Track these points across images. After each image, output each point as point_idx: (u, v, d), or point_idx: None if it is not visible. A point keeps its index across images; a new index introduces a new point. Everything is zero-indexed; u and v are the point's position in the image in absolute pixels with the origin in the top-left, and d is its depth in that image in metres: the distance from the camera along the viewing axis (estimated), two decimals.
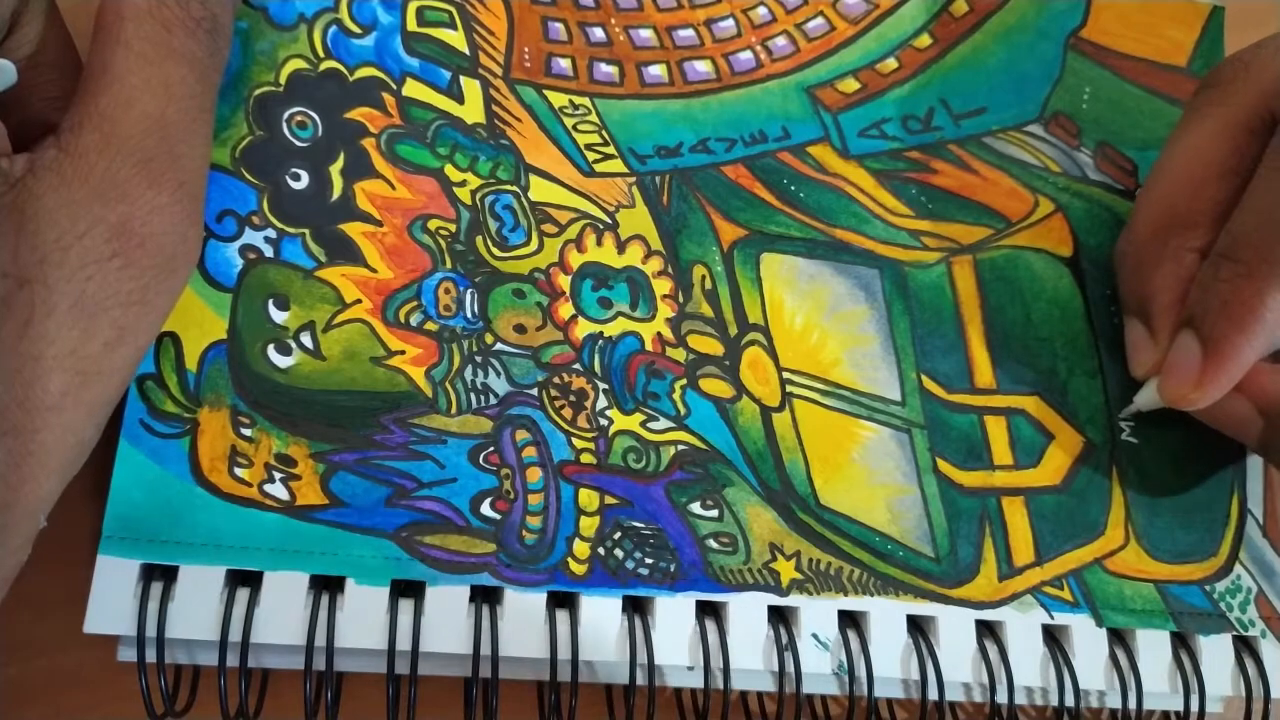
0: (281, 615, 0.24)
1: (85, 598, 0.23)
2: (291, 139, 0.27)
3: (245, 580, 0.24)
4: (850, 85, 0.31)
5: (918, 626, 0.27)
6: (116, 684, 0.26)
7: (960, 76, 0.32)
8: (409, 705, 0.24)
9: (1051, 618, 0.28)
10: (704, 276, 0.29)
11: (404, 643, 0.24)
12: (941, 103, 0.32)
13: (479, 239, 0.28)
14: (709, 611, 0.27)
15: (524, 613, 0.25)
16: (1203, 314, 0.26)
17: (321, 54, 0.28)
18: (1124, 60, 0.33)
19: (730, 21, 0.31)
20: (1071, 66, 0.33)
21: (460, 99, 0.29)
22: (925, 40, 0.32)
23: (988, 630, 0.28)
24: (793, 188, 0.30)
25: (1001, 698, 0.27)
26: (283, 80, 0.27)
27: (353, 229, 0.27)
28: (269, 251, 0.26)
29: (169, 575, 0.24)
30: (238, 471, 0.25)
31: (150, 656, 0.23)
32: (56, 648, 0.26)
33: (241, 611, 0.24)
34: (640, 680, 0.25)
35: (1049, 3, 0.33)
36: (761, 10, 0.31)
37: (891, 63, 0.32)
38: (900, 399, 0.29)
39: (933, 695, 0.26)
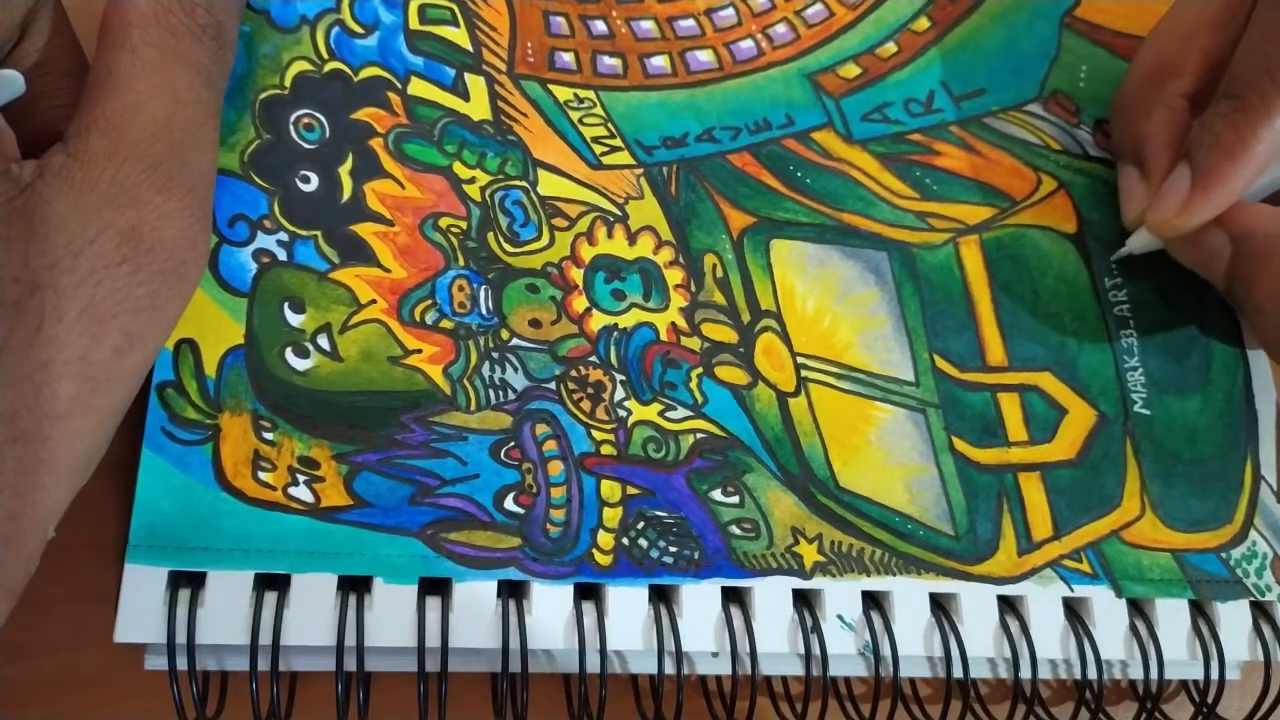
0: (310, 617, 0.24)
1: (90, 597, 0.23)
2: (299, 141, 0.27)
3: (272, 583, 0.24)
4: (851, 70, 0.31)
5: (940, 604, 0.28)
6: (120, 684, 0.26)
7: (959, 58, 0.32)
8: (439, 702, 0.24)
9: (1071, 590, 0.28)
10: (715, 265, 0.29)
11: (433, 640, 0.24)
12: (942, 85, 0.32)
13: (490, 235, 0.28)
14: (734, 597, 0.27)
15: (551, 606, 0.25)
16: (1197, 146, 0.27)
17: (325, 55, 0.28)
18: (1118, 38, 0.33)
19: (730, 11, 0.31)
20: (1067, 45, 0.33)
21: (466, 96, 0.29)
22: (923, 23, 0.32)
23: (1009, 605, 0.28)
24: (799, 174, 0.30)
25: (1025, 672, 0.27)
26: (288, 83, 0.27)
27: (364, 229, 0.27)
28: (282, 255, 0.26)
29: (196, 581, 0.24)
30: (261, 475, 0.25)
31: (181, 664, 0.23)
32: (61, 647, 0.26)
33: (270, 615, 0.24)
34: (668, 668, 0.25)
35: None
36: (761, 1, 0.31)
37: (891, 47, 0.32)
38: (914, 379, 0.29)
39: (957, 672, 0.27)
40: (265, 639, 0.24)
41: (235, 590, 0.24)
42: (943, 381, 0.29)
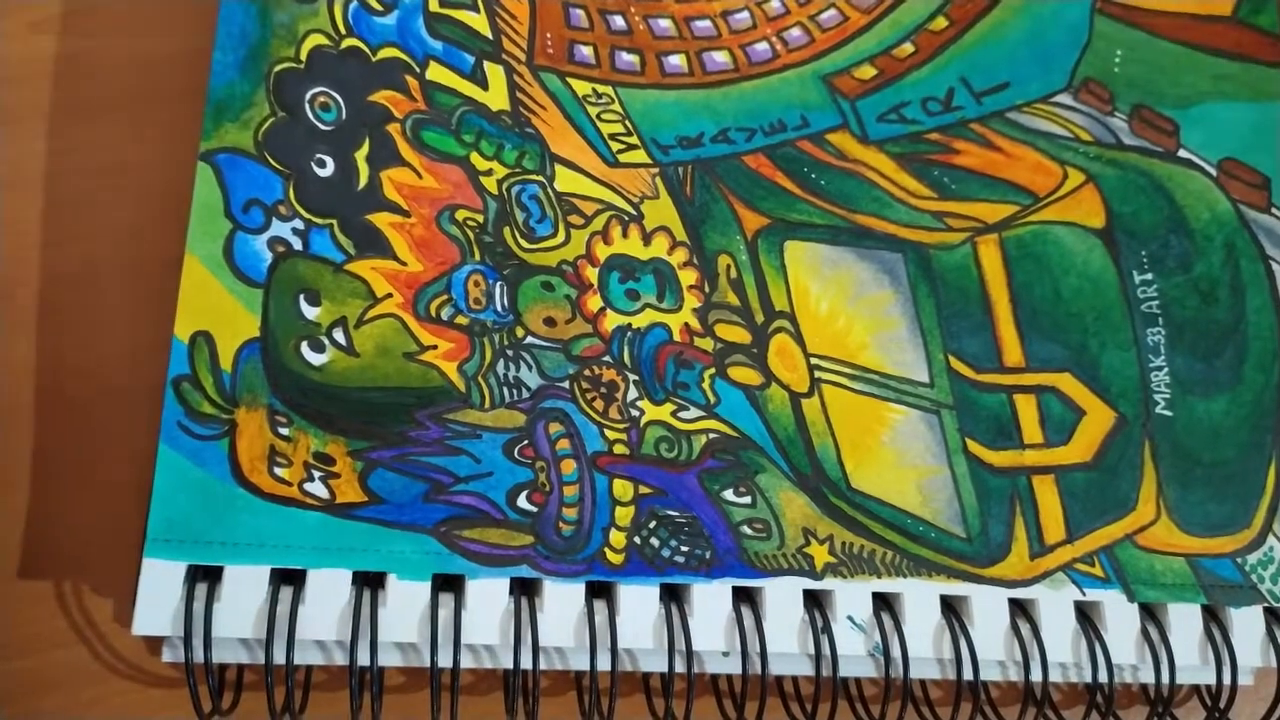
0: (325, 612, 0.24)
1: (109, 590, 0.23)
2: (315, 121, 0.27)
3: (288, 578, 0.25)
4: (867, 72, 0.31)
5: (951, 607, 0.28)
6: (139, 676, 0.26)
7: (980, 54, 0.32)
8: (451, 697, 0.25)
9: (1083, 594, 0.28)
10: (729, 266, 0.29)
11: (445, 636, 0.25)
12: (962, 81, 0.31)
13: (507, 230, 0.28)
14: (744, 598, 0.27)
15: (563, 603, 0.25)
16: None
17: (343, 30, 0.28)
18: (1159, 17, 0.33)
19: (745, 14, 0.31)
20: (1100, 31, 0.32)
21: (484, 84, 0.28)
22: (941, 23, 0.32)
23: (1020, 608, 0.28)
24: (813, 175, 0.30)
25: (1035, 675, 0.27)
26: (303, 56, 0.27)
27: (380, 220, 0.27)
28: (298, 244, 0.26)
29: (213, 575, 0.24)
30: (278, 471, 0.25)
31: (198, 657, 0.23)
32: (79, 639, 0.26)
33: (286, 610, 0.24)
34: (679, 667, 0.26)
35: None
36: (774, 3, 0.31)
37: (908, 47, 0.31)
38: (928, 380, 0.29)
39: (967, 674, 0.27)
40: (281, 633, 0.24)
41: (251, 585, 0.24)
42: (958, 383, 0.29)
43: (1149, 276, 0.31)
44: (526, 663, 0.25)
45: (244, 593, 0.24)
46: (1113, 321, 0.30)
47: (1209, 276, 0.31)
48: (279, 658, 0.24)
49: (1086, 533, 0.29)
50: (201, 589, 0.24)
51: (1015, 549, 0.28)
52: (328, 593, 0.24)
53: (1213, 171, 0.32)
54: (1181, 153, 0.32)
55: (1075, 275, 0.31)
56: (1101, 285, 0.31)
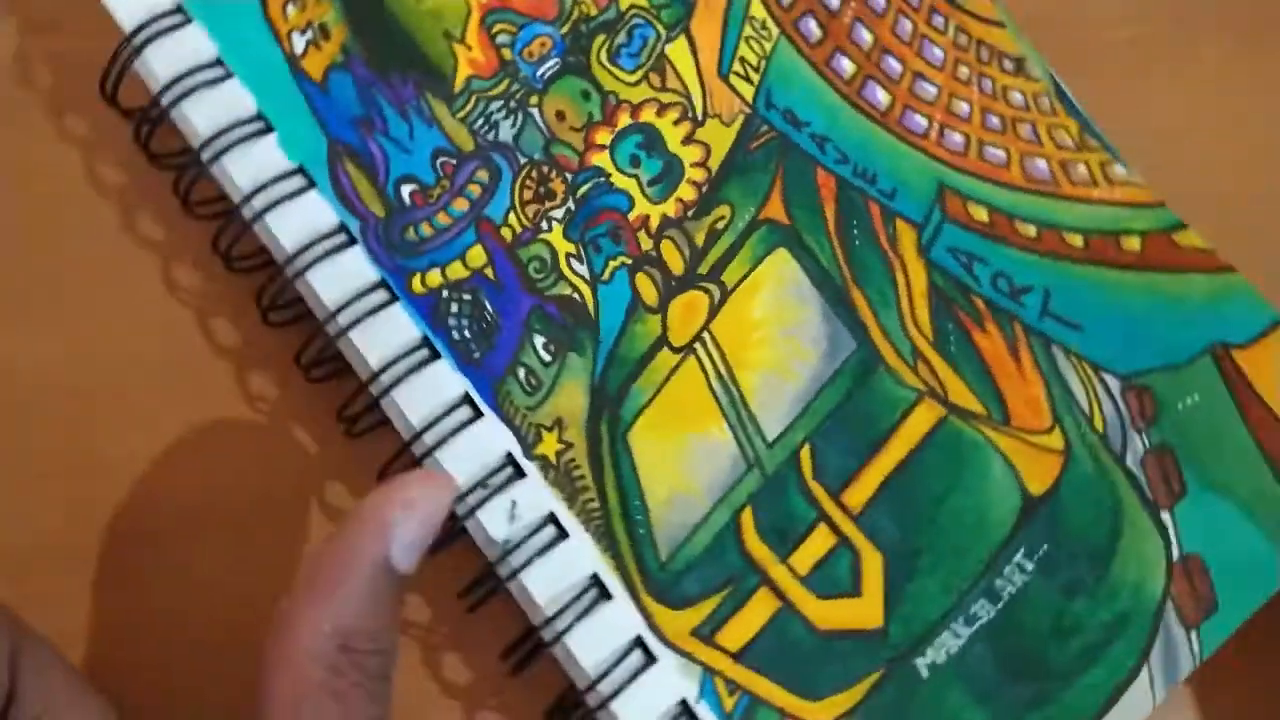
0: (218, 108, 0.27)
1: None
2: None
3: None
4: (980, 213, 0.30)
5: (594, 586, 0.26)
6: None
7: (1081, 289, 0.30)
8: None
9: (697, 703, 0.26)
10: (722, 219, 0.29)
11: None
12: (1044, 291, 0.30)
13: (600, 38, 0.30)
14: (470, 408, 0.27)
15: (349, 271, 0.27)
16: None
17: None
18: (1256, 405, 0.29)
19: (934, 89, 0.31)
20: (1197, 368, 0.29)
21: None
22: (1077, 239, 0.31)
23: (640, 653, 0.26)
24: (855, 231, 0.30)
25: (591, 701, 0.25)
26: None
27: None
28: None
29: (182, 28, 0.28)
30: (289, 10, 0.28)
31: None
32: None
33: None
34: (371, 386, 0.26)
35: (1223, 303, 0.30)
36: (963, 105, 0.31)
37: (1031, 230, 0.30)
38: (771, 441, 0.28)
39: (546, 636, 0.25)
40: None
41: (197, 49, 0.27)
42: (791, 470, 0.28)
43: (1029, 567, 0.28)
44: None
45: (184, 52, 0.27)
46: (962, 564, 0.28)
47: (1079, 623, 0.27)
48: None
49: (760, 673, 0.26)
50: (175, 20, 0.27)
51: (689, 615, 0.27)
52: (230, 100, 0.27)
53: (1175, 556, 0.28)
54: (1164, 516, 0.28)
55: (972, 506, 0.28)
56: (985, 532, 0.28)
